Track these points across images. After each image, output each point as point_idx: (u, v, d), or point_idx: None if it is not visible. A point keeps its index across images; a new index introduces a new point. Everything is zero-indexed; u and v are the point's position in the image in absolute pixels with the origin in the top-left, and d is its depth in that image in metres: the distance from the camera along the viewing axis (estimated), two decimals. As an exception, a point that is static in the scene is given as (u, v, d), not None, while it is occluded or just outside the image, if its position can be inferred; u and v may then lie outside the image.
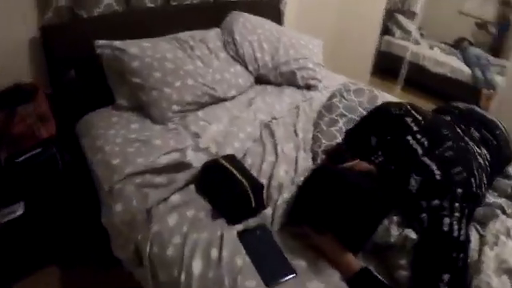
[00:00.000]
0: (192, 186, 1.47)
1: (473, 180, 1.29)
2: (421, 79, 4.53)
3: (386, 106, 1.65)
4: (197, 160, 1.55)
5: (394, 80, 4.47)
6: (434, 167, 1.29)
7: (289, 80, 2.40)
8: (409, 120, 1.49)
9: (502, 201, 1.50)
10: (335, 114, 2.03)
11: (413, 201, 1.28)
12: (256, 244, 1.26)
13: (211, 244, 1.24)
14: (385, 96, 2.32)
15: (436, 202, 1.21)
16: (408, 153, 1.41)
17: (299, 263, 1.22)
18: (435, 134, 1.45)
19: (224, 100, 2.09)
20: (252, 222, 1.35)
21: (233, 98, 2.14)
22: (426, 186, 1.27)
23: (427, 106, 3.98)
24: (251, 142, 1.78)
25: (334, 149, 1.73)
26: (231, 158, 1.49)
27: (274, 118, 2.01)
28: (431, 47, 4.63)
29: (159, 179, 1.48)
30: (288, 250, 1.26)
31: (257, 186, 1.37)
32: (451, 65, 4.50)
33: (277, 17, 2.91)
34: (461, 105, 1.79)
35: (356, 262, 1.19)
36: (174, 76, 1.89)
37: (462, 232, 1.16)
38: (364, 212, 1.18)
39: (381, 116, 1.61)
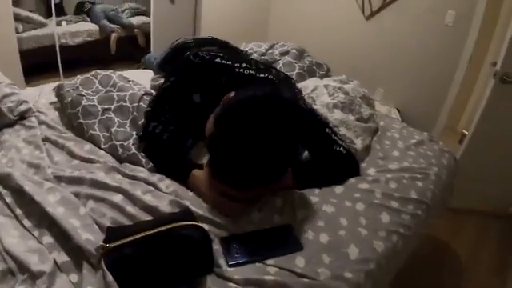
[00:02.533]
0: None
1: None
2: (71, 57, 4.21)
3: (188, 61, 1.43)
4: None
5: (48, 73, 4.00)
6: (267, 75, 1.43)
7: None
8: (219, 60, 1.42)
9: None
10: (103, 112, 1.65)
11: None
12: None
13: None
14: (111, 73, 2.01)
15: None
16: (249, 78, 1.40)
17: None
18: (241, 58, 1.60)
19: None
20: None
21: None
22: None
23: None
24: (81, 205, 1.24)
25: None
26: (113, 233, 1.03)
27: (49, 167, 1.43)
28: (58, 24, 4.23)
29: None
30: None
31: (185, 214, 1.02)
32: (85, 29, 4.41)
33: None
34: (189, 38, 1.96)
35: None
36: None
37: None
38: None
39: (192, 71, 1.42)
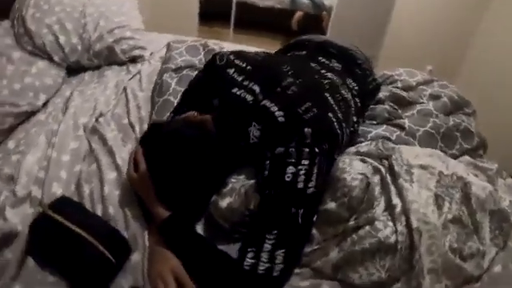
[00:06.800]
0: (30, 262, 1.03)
1: (331, 115, 1.13)
2: (251, 17, 4.39)
3: (212, 59, 1.42)
4: (20, 220, 1.12)
5: (225, 24, 4.21)
6: (275, 108, 1.11)
7: (108, 58, 2.00)
8: (231, 71, 1.30)
9: (383, 128, 1.46)
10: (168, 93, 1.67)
11: (259, 152, 1.10)
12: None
13: None
14: (222, 45, 2.09)
15: (280, 149, 1.04)
16: (239, 104, 1.21)
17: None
18: (269, 75, 1.26)
19: (34, 113, 1.62)
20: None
21: (45, 105, 1.67)
22: (268, 132, 1.11)
23: (264, 43, 4.05)
24: (81, 162, 1.36)
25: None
26: (62, 205, 1.10)
27: (101, 115, 1.59)
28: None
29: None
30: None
31: (109, 237, 1.04)
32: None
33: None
34: (314, 37, 1.69)
35: (166, 211, 1.08)
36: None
37: (312, 184, 0.98)
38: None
39: (209, 73, 1.42)
